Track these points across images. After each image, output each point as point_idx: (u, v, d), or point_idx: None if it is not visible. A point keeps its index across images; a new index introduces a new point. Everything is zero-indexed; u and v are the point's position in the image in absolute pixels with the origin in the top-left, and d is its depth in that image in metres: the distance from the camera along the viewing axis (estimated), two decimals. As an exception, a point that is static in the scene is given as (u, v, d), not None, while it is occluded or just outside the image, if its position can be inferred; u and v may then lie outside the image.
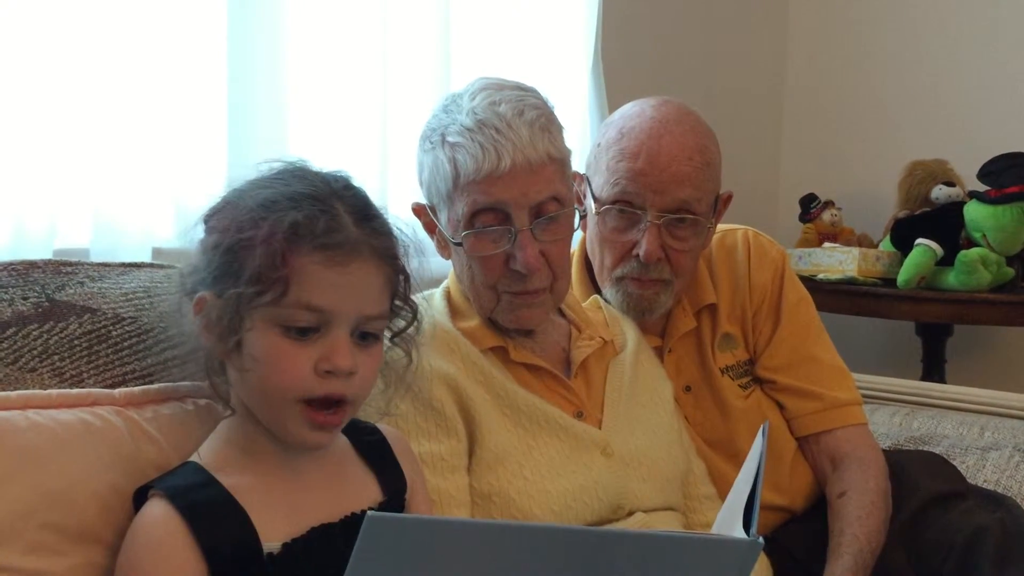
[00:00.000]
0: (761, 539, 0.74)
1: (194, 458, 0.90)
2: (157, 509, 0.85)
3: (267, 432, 0.89)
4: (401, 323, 0.95)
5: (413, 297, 0.95)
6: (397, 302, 0.93)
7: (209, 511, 0.85)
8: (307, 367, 0.84)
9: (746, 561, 0.75)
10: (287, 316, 0.84)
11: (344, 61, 1.68)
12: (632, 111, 1.32)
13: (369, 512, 0.66)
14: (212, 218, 0.89)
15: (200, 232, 0.90)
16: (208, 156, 1.50)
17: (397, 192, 1.65)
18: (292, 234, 0.83)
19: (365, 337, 0.88)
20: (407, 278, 0.92)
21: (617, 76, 2.13)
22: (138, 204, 1.43)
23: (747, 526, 0.77)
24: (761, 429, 0.85)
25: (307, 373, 0.84)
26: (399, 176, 1.68)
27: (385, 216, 0.91)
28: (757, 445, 0.84)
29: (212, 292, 0.86)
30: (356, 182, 0.92)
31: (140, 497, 0.88)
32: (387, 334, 0.94)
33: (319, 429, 0.86)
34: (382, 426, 1.02)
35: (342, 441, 0.97)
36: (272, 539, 0.85)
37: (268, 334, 0.84)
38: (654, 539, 0.77)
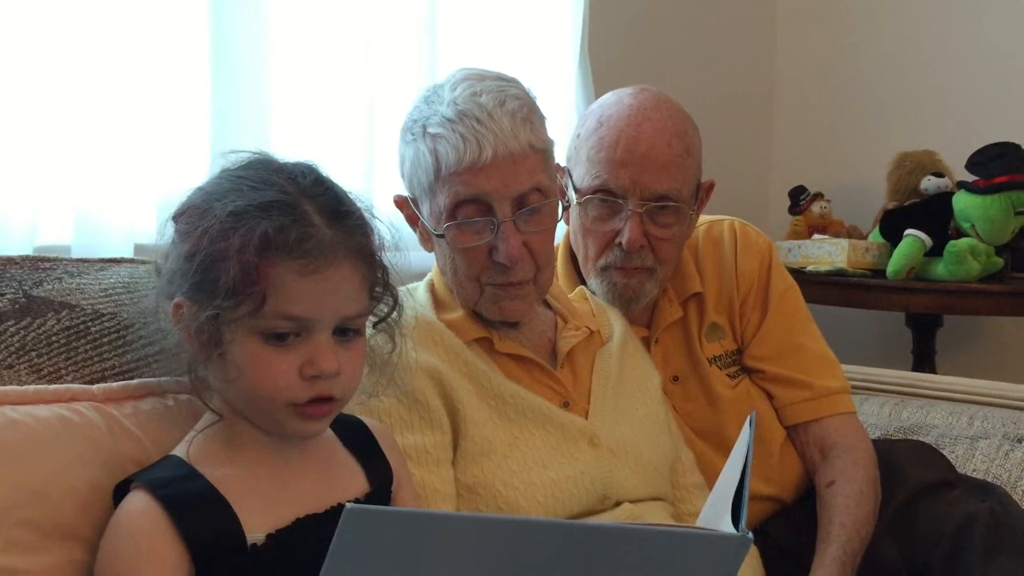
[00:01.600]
0: (751, 534, 0.73)
1: (176, 452, 0.90)
2: (138, 501, 0.85)
3: (252, 429, 0.89)
4: (384, 309, 0.94)
5: (395, 286, 0.94)
6: (377, 290, 0.92)
7: (191, 503, 0.84)
8: (292, 372, 0.84)
9: (736, 556, 0.74)
10: (266, 325, 0.83)
11: (328, 55, 1.68)
12: (610, 100, 1.32)
13: (348, 504, 0.66)
14: (181, 218, 0.88)
15: (171, 231, 0.89)
16: (190, 152, 1.49)
17: (383, 186, 1.64)
18: (264, 246, 0.82)
19: (346, 333, 0.87)
20: (385, 270, 0.92)
21: (604, 68, 2.13)
22: (120, 201, 1.42)
23: (736, 520, 0.76)
24: (748, 419, 0.84)
25: (293, 379, 0.84)
26: (385, 170, 1.67)
27: (358, 207, 0.90)
28: (744, 435, 0.83)
29: (189, 300, 0.85)
30: (324, 173, 0.90)
31: (120, 493, 0.88)
32: (372, 320, 0.93)
33: (312, 420, 0.87)
34: (367, 419, 1.01)
35: (328, 433, 0.96)
36: (256, 530, 0.85)
37: (249, 343, 0.84)
38: (643, 533, 0.76)
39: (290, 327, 0.84)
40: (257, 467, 0.89)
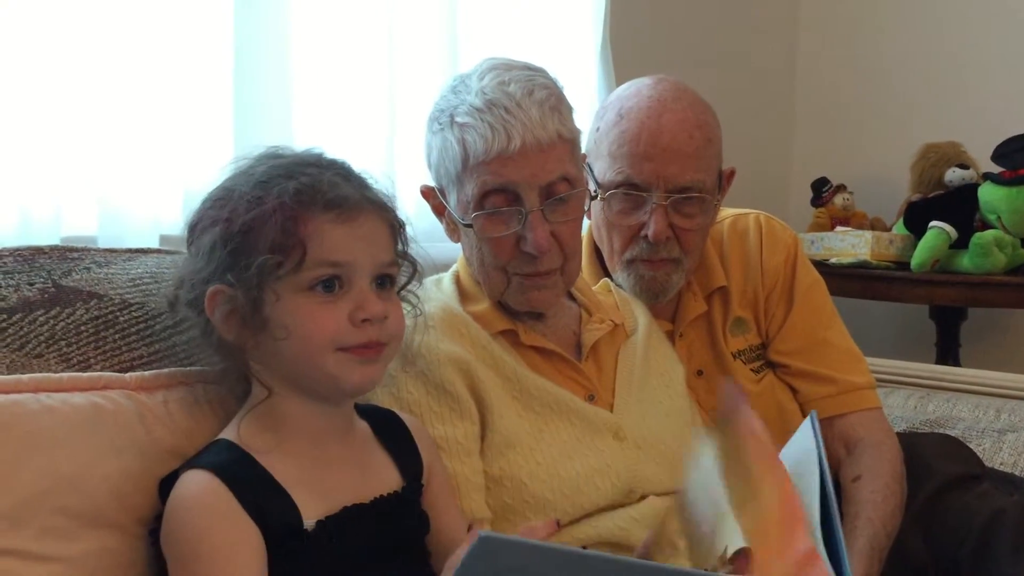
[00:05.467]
0: None
1: (226, 435, 0.90)
2: (201, 480, 0.85)
3: (300, 412, 0.90)
4: (403, 279, 0.96)
5: (413, 256, 0.97)
6: (400, 248, 0.95)
7: (253, 484, 0.85)
8: (342, 319, 0.87)
9: None
10: (311, 277, 0.86)
11: (350, 46, 1.67)
12: (629, 91, 1.31)
13: (481, 532, 0.67)
14: (199, 224, 0.90)
15: (188, 244, 0.91)
16: (214, 142, 1.49)
17: (405, 178, 1.63)
18: (299, 199, 0.86)
19: (383, 284, 0.90)
20: (403, 227, 0.95)
21: (626, 58, 2.11)
22: (145, 191, 1.42)
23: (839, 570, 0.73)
24: (809, 422, 0.80)
25: (343, 324, 0.87)
26: (406, 161, 1.67)
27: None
28: (808, 439, 0.80)
29: (225, 284, 0.86)
30: (330, 155, 0.94)
31: (167, 484, 0.88)
32: None
33: (366, 363, 0.88)
34: (400, 412, 1.02)
35: (363, 425, 0.98)
36: (308, 516, 0.86)
37: (295, 300, 0.86)
38: None
39: (334, 272, 0.86)
40: (301, 456, 0.90)
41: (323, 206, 0.86)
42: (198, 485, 0.85)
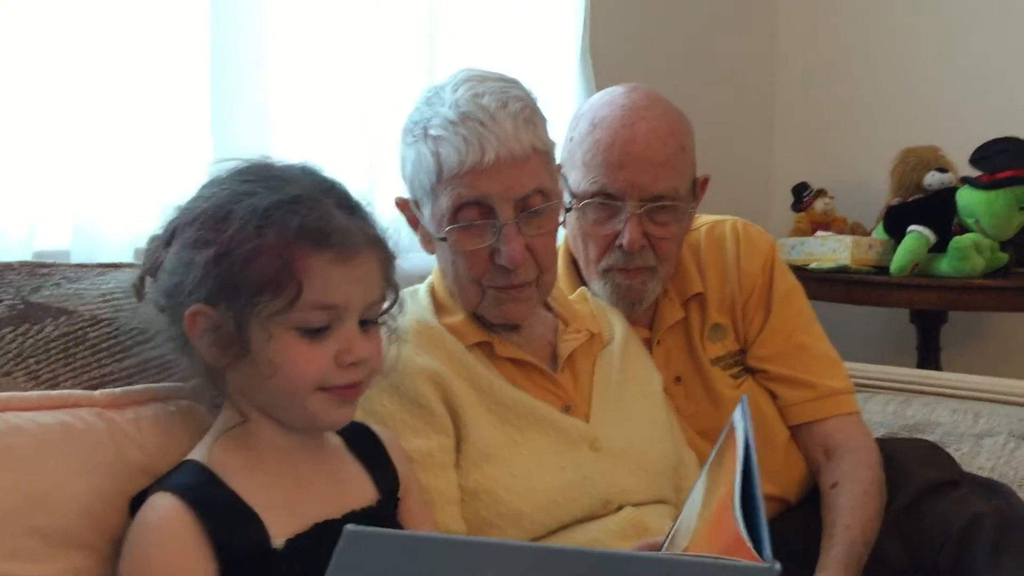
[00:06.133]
0: (778, 565, 0.71)
1: (194, 457, 0.90)
2: (165, 504, 0.85)
3: (271, 431, 0.90)
4: (385, 304, 0.95)
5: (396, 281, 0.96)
6: (389, 279, 0.94)
7: (219, 508, 0.85)
8: (328, 361, 0.86)
9: None
10: (302, 318, 0.85)
11: (327, 57, 1.67)
12: (602, 100, 1.31)
13: (347, 527, 0.65)
14: (188, 231, 0.88)
15: (166, 242, 0.89)
16: (191, 156, 1.48)
17: (383, 188, 1.63)
18: (300, 238, 0.85)
19: (366, 324, 0.90)
20: (394, 259, 0.94)
21: (606, 66, 2.11)
22: (119, 207, 1.41)
23: (758, 544, 0.73)
24: (739, 410, 0.81)
25: (328, 366, 0.86)
26: (385, 172, 1.66)
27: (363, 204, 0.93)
28: (738, 426, 0.80)
29: (211, 306, 0.85)
30: (327, 172, 0.93)
31: (137, 503, 0.87)
32: None
33: (344, 404, 0.89)
34: (373, 426, 1.02)
35: (336, 440, 0.97)
36: (276, 536, 0.86)
37: (284, 338, 0.85)
38: (663, 563, 0.74)
39: (325, 317, 0.86)
40: (273, 473, 0.89)
41: (324, 246, 0.85)
42: (162, 511, 0.84)
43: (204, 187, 0.90)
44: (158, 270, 0.90)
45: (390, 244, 0.93)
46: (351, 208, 0.90)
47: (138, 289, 0.93)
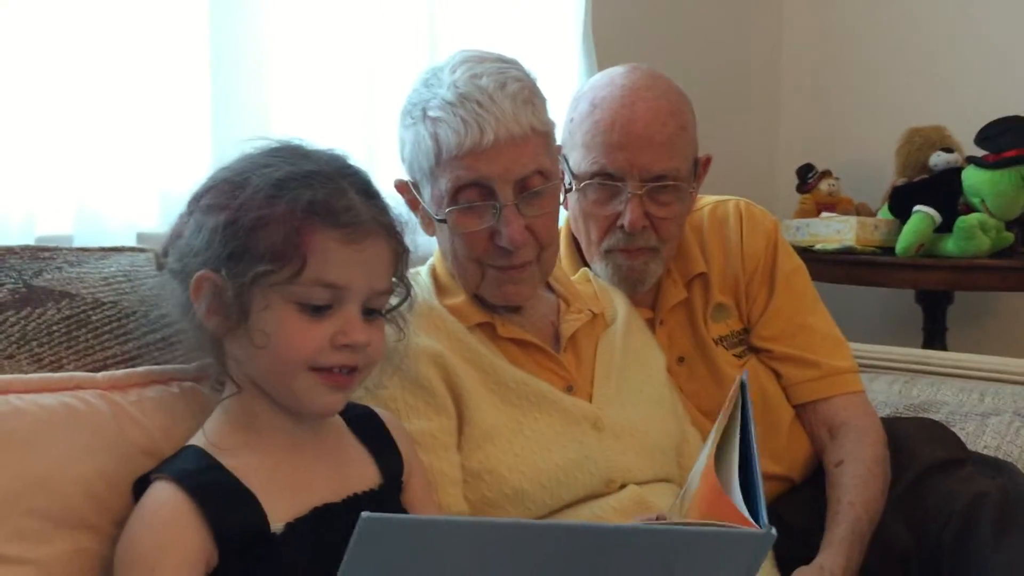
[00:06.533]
0: (774, 530, 0.71)
1: (194, 442, 0.90)
2: (165, 491, 0.85)
3: (271, 410, 0.89)
4: (394, 300, 0.95)
5: (409, 279, 0.96)
6: (399, 273, 0.93)
7: (218, 494, 0.85)
8: (323, 341, 0.86)
9: (758, 553, 0.73)
10: (303, 293, 0.85)
11: (327, 40, 1.66)
12: (602, 81, 1.31)
13: (364, 514, 0.65)
14: (205, 197, 0.88)
15: (189, 211, 0.89)
16: (192, 142, 1.48)
17: (384, 171, 1.62)
18: (309, 212, 0.84)
19: (370, 313, 0.89)
20: (407, 253, 0.93)
21: (608, 48, 2.10)
22: (122, 192, 1.41)
23: (755, 514, 0.74)
24: (739, 381, 0.82)
25: (322, 345, 0.86)
26: (385, 155, 1.66)
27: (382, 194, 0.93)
28: (737, 411, 0.81)
29: (216, 272, 0.85)
30: (353, 161, 0.93)
31: (139, 487, 0.88)
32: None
33: (334, 390, 0.87)
34: (377, 408, 1.01)
35: (339, 422, 0.97)
36: (276, 520, 0.86)
37: (282, 310, 0.85)
38: (663, 534, 0.75)
39: (325, 297, 0.85)
40: (273, 456, 0.89)
41: (332, 223, 0.85)
42: (161, 498, 0.85)
43: (234, 161, 0.90)
44: (179, 239, 0.90)
45: (406, 239, 0.92)
46: (369, 194, 0.90)
47: (159, 258, 0.92)
